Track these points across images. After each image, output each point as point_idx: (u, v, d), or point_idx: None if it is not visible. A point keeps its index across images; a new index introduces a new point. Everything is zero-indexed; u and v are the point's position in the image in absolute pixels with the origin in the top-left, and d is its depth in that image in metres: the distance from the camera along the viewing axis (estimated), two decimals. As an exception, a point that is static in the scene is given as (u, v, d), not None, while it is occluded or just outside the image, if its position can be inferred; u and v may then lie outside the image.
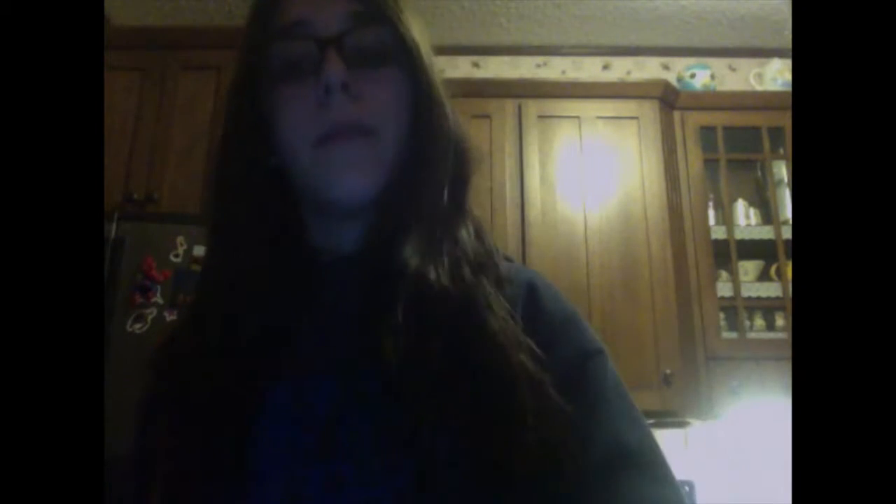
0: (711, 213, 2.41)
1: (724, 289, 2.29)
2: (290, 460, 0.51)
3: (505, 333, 0.52)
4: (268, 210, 0.60)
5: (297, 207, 0.62)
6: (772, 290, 2.30)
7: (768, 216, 2.44)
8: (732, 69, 2.82)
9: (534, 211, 2.28)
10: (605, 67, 2.85)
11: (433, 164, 0.59)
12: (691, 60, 2.74)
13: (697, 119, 2.45)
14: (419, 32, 0.61)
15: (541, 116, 2.39)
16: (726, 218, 2.37)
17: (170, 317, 1.83)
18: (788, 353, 2.06)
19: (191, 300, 0.63)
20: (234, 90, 0.62)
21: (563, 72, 2.83)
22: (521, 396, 0.49)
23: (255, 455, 0.52)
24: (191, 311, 0.62)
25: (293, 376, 0.55)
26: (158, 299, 1.85)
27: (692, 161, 2.40)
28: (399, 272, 0.53)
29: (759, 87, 2.62)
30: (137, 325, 1.82)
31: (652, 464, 0.53)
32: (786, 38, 2.68)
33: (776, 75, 2.58)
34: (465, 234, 0.59)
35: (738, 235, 2.35)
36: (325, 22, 0.57)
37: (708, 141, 2.42)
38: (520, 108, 2.39)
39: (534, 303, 0.58)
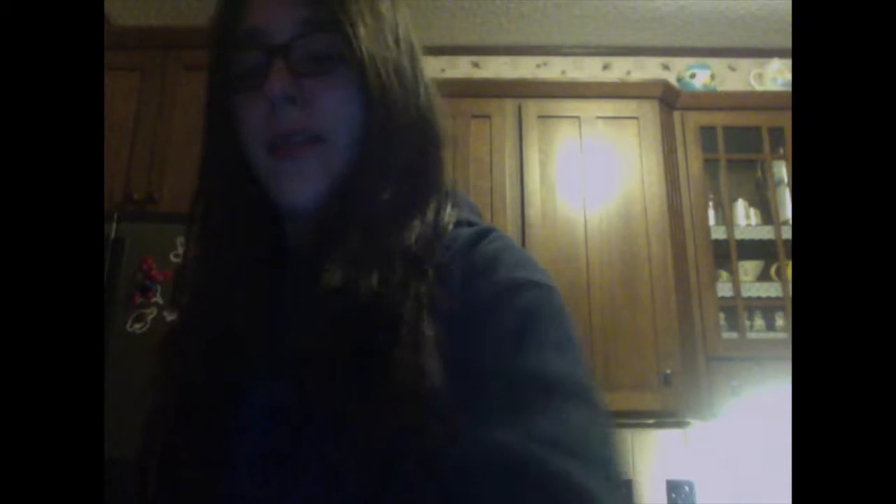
0: (711, 213, 2.41)
1: (724, 289, 2.29)
2: (251, 460, 0.54)
3: (420, 344, 0.51)
4: (244, 210, 0.62)
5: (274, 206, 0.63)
6: (772, 290, 2.30)
7: (768, 216, 2.44)
8: (732, 69, 2.82)
9: (534, 211, 2.28)
10: (605, 67, 2.85)
11: (380, 167, 0.58)
12: (691, 60, 2.74)
13: (697, 119, 2.44)
14: (376, 31, 0.60)
15: (541, 116, 2.39)
16: (726, 218, 2.37)
17: (170, 317, 1.83)
18: (788, 353, 2.06)
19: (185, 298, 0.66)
20: (205, 97, 0.64)
21: (563, 72, 2.83)
22: (412, 401, 0.48)
23: (229, 455, 0.55)
24: (181, 308, 0.65)
25: (256, 377, 0.57)
26: (158, 299, 1.85)
27: (692, 161, 2.40)
28: (326, 278, 0.54)
29: (759, 87, 2.62)
30: (137, 325, 1.82)
31: (575, 394, 0.48)
32: (786, 38, 2.68)
33: (776, 75, 2.58)
34: (418, 224, 0.58)
35: (738, 235, 2.35)
36: (277, 30, 0.58)
37: (708, 141, 2.42)
38: (520, 108, 2.39)
39: (469, 267, 0.56)
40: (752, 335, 2.28)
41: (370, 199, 0.57)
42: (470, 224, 0.62)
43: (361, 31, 0.58)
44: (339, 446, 0.49)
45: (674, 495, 2.31)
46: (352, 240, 0.55)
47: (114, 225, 1.88)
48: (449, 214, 0.61)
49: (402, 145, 0.60)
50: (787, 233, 2.33)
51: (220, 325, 0.59)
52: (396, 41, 0.62)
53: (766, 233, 2.37)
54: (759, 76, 2.65)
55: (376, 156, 0.58)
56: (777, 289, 2.30)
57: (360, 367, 0.50)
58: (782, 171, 2.45)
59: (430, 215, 0.60)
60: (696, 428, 2.36)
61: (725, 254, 2.33)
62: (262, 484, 0.53)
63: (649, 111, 2.39)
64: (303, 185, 0.58)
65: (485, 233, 0.59)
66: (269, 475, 0.52)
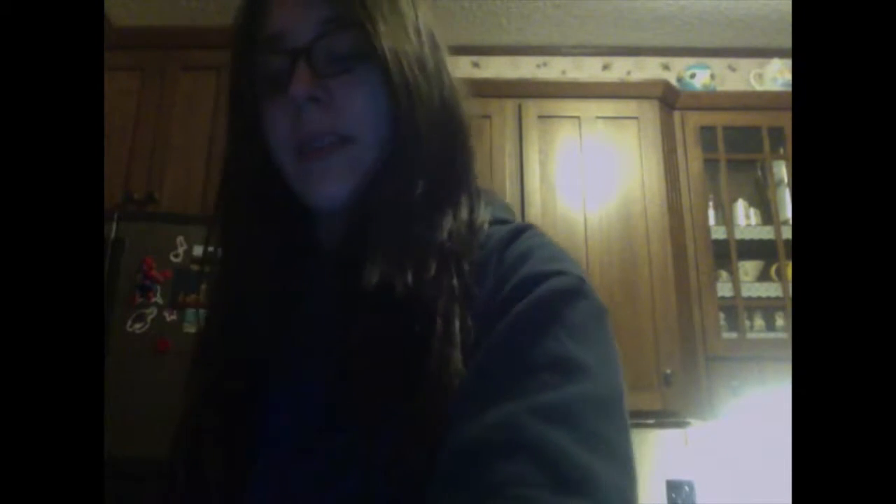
0: (711, 213, 2.41)
1: (724, 289, 2.29)
2: (278, 458, 0.54)
3: (452, 338, 0.51)
4: (271, 212, 0.62)
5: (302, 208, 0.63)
6: (772, 290, 2.30)
7: (768, 216, 2.44)
8: (732, 69, 2.82)
9: (534, 211, 2.28)
10: (605, 67, 2.85)
11: (409, 162, 0.58)
12: (691, 60, 2.74)
13: (697, 119, 2.45)
14: (397, 26, 0.60)
15: (541, 116, 2.39)
16: (726, 218, 2.37)
17: (170, 317, 1.84)
18: (788, 353, 2.07)
19: (208, 296, 0.67)
20: (229, 101, 0.64)
21: (563, 72, 2.83)
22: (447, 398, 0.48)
23: (253, 451, 0.55)
24: (207, 307, 0.66)
25: (284, 377, 0.57)
26: (158, 299, 1.85)
27: (692, 161, 2.40)
28: (361, 277, 0.53)
29: (759, 87, 2.62)
30: (137, 325, 1.82)
31: (585, 374, 0.47)
32: (786, 38, 2.68)
33: (776, 75, 2.59)
34: (450, 219, 0.58)
35: (738, 235, 2.35)
36: (298, 32, 0.58)
37: (708, 141, 2.42)
38: (520, 108, 2.39)
39: (503, 264, 0.56)
40: (752, 335, 2.28)
41: (401, 195, 0.57)
42: (504, 222, 0.61)
43: (382, 27, 0.58)
44: (376, 443, 0.48)
45: (674, 495, 2.31)
46: (384, 237, 0.55)
47: (114, 225, 1.88)
48: (483, 212, 0.60)
49: (430, 139, 0.59)
50: (787, 233, 2.33)
51: (248, 327, 0.59)
52: (417, 34, 0.61)
53: (766, 233, 2.37)
54: (759, 76, 2.65)
55: (405, 151, 0.58)
56: (777, 289, 2.30)
57: (395, 364, 0.50)
58: (782, 171, 2.45)
59: (463, 211, 0.59)
60: (696, 428, 2.36)
61: (725, 254, 2.33)
62: (293, 481, 0.52)
63: (649, 111, 2.39)
64: (330, 185, 0.58)
65: (520, 230, 0.58)
66: (300, 472, 0.52)
